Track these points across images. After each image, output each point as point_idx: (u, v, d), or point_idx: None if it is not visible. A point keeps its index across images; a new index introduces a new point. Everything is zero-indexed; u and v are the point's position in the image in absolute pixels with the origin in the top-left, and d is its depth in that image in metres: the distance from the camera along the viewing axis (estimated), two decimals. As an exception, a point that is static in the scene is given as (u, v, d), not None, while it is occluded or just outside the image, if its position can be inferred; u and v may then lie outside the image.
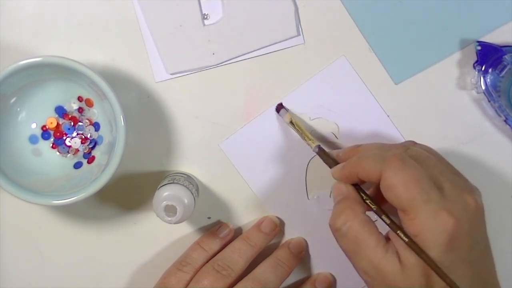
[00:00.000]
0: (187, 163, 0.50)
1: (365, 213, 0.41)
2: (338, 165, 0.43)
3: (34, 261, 0.50)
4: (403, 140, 0.49)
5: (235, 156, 0.50)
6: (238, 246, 0.48)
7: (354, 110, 0.50)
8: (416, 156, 0.40)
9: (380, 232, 0.40)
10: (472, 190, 0.40)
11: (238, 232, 0.50)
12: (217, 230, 0.49)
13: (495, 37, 0.49)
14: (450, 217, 0.37)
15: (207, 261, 0.47)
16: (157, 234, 0.50)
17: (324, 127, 0.50)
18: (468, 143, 0.50)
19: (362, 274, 0.40)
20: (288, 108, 0.49)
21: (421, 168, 0.39)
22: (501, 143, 0.50)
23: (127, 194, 0.50)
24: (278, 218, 0.50)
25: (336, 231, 0.41)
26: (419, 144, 0.44)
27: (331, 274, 0.51)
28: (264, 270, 0.47)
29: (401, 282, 0.38)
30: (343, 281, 0.51)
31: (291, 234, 0.51)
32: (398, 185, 0.38)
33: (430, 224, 0.37)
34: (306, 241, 0.51)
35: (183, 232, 0.50)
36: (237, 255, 0.47)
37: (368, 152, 0.42)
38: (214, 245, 0.48)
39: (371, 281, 0.39)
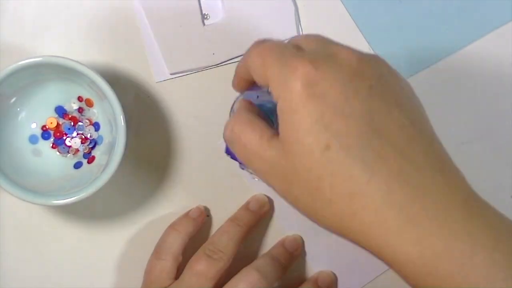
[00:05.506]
0: (187, 163, 0.50)
1: (250, 113, 0.36)
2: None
3: (34, 261, 0.50)
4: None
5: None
6: (227, 228, 0.47)
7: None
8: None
9: (268, 127, 0.34)
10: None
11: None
12: (188, 212, 0.49)
13: (495, 37, 0.49)
14: (303, 63, 0.31)
15: (184, 243, 0.47)
16: (157, 234, 0.50)
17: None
18: (468, 143, 0.50)
19: (261, 176, 0.35)
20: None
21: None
22: (501, 143, 0.50)
23: (127, 193, 0.50)
24: (267, 197, 0.50)
25: (228, 143, 0.37)
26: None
27: (332, 272, 0.51)
28: (262, 262, 0.47)
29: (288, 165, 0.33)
30: (344, 279, 0.51)
31: (289, 232, 0.51)
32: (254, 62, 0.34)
33: (280, 77, 0.32)
34: (302, 238, 0.50)
35: (183, 232, 0.50)
36: (227, 237, 0.47)
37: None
38: (187, 226, 0.48)
39: (269, 180, 0.35)
